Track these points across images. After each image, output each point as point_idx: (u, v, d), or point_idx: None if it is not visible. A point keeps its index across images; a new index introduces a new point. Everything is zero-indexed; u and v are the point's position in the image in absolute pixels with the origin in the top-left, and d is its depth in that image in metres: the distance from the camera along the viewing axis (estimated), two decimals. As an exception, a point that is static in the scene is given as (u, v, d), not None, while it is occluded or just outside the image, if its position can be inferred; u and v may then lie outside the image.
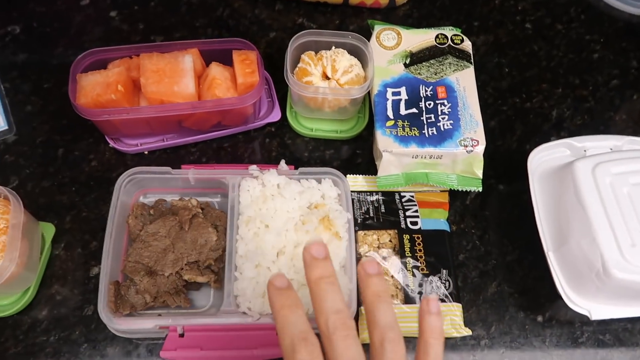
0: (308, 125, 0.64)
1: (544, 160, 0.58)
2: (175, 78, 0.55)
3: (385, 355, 0.31)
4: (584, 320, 0.56)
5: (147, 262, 0.52)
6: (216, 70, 0.57)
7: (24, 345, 0.52)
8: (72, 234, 0.57)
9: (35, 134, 0.63)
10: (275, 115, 0.64)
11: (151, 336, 0.52)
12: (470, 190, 0.59)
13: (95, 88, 0.54)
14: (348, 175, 0.60)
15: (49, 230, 0.56)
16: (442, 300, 0.54)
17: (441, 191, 0.61)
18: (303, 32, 0.60)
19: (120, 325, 0.49)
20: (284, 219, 0.53)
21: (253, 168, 0.56)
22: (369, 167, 0.63)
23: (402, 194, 0.60)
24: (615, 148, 0.58)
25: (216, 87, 0.55)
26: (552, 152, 0.59)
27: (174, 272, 0.52)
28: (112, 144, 0.61)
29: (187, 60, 0.56)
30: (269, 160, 0.63)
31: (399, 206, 0.59)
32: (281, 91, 0.66)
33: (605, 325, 0.56)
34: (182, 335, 0.50)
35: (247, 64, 0.56)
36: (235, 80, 0.57)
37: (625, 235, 0.48)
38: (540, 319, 0.56)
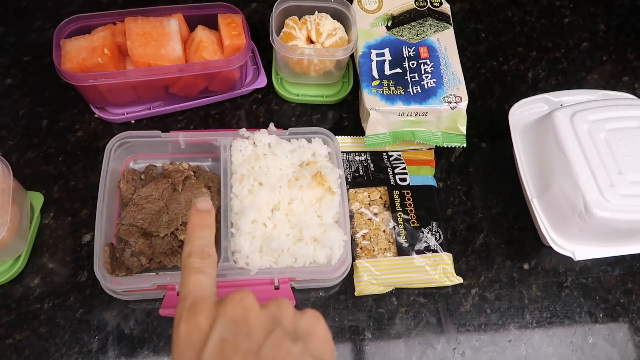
0: (294, 91, 0.65)
1: (523, 115, 0.61)
2: (161, 41, 0.54)
3: (190, 267, 0.32)
4: (568, 266, 0.59)
5: (142, 224, 0.52)
6: (202, 33, 0.57)
7: (17, 314, 0.51)
8: (61, 203, 0.57)
9: (17, 106, 0.62)
10: (261, 82, 0.64)
11: (148, 297, 0.52)
12: (455, 147, 0.61)
13: (81, 53, 0.54)
14: (336, 136, 0.61)
15: (37, 199, 0.55)
16: (434, 251, 0.56)
17: (427, 149, 0.63)
18: (286, -4, 0.61)
19: (116, 285, 0.49)
20: (277, 176, 0.53)
21: (243, 130, 0.57)
22: (355, 130, 0.64)
23: (389, 153, 0.61)
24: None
25: (203, 49, 0.55)
26: (531, 107, 0.61)
27: (169, 233, 0.52)
28: (97, 113, 0.61)
29: (173, 24, 0.56)
30: (256, 126, 0.63)
31: (387, 164, 0.60)
32: (266, 59, 0.67)
33: (587, 270, 0.59)
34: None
35: (233, 27, 0.57)
36: (222, 44, 0.58)
37: (604, 176, 0.51)
38: (526, 266, 0.59)
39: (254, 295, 0.31)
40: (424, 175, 0.60)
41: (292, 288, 0.53)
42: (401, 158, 0.61)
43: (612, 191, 0.50)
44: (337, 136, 0.61)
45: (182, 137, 0.55)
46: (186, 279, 0.32)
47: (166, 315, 0.49)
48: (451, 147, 0.61)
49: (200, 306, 0.29)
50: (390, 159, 0.61)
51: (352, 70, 0.66)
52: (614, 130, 0.53)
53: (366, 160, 0.60)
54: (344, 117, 0.66)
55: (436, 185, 0.60)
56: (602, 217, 0.50)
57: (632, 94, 0.65)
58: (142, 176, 0.56)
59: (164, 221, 0.52)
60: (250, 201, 0.52)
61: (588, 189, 0.50)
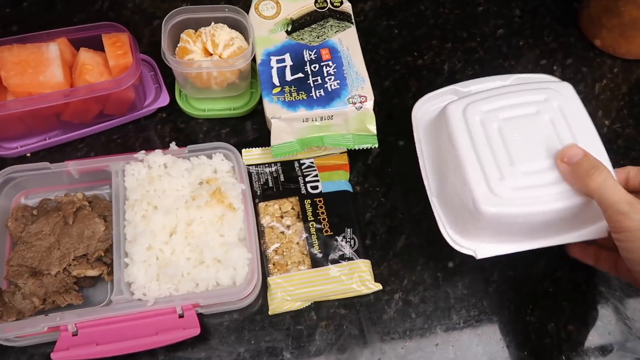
0: (199, 107, 0.62)
1: (430, 109, 0.58)
2: (40, 68, 0.52)
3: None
4: (494, 259, 0.56)
5: (31, 264, 0.49)
6: (85, 55, 0.54)
7: None
8: (-50, 249, 0.53)
9: None
10: (164, 100, 0.61)
11: (45, 340, 0.48)
12: (368, 148, 0.59)
13: (-49, 88, 0.51)
14: (244, 150, 0.58)
15: None
16: (350, 259, 0.53)
17: (340, 153, 0.60)
18: (177, 9, 0.59)
19: (5, 332, 0.46)
20: (172, 197, 0.51)
21: (140, 153, 0.54)
22: (267, 141, 0.61)
23: (301, 161, 0.59)
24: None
25: (86, 72, 0.53)
26: (439, 101, 0.59)
27: (61, 270, 0.49)
28: (-11, 149, 0.57)
29: (52, 49, 0.53)
30: (162, 147, 0.60)
31: (299, 173, 0.58)
32: (170, 76, 0.64)
33: (513, 262, 0.56)
34: (75, 334, 0.46)
35: (118, 46, 0.54)
36: (109, 65, 0.55)
37: (494, 170, 0.47)
38: (451, 264, 0.57)
39: None
40: (336, 181, 0.58)
41: (200, 314, 0.50)
42: (313, 165, 0.59)
43: (501, 185, 0.46)
44: (246, 149, 0.59)
45: (72, 166, 0.53)
46: None
47: (59, 359, 0.46)
48: (366, 148, 0.59)
49: None
50: (302, 166, 0.59)
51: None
52: (509, 119, 0.50)
53: (276, 171, 0.58)
54: (255, 128, 0.63)
55: (351, 190, 0.58)
56: (492, 213, 0.46)
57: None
58: (34, 212, 0.53)
59: (55, 257, 0.49)
60: (144, 227, 0.49)
61: (476, 185, 0.47)
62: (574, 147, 0.46)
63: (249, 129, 0.63)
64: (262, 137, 0.62)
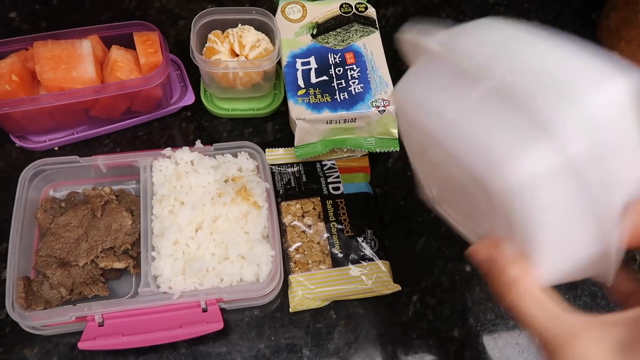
0: (224, 106, 0.64)
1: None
2: (73, 64, 0.53)
3: None
4: (511, 265, 0.57)
5: (59, 254, 0.50)
6: (117, 53, 0.55)
7: None
8: (-22, 238, 0.54)
9: None
10: (189, 99, 0.63)
11: (71, 330, 0.49)
12: (390, 152, 0.60)
13: (-12, 81, 0.52)
14: (267, 149, 0.59)
15: (-48, 236, 0.53)
16: (370, 259, 0.54)
17: (362, 156, 0.61)
18: (206, 10, 0.60)
19: (32, 321, 0.47)
20: (199, 194, 0.52)
21: (167, 150, 0.55)
22: (289, 142, 0.62)
23: (323, 162, 0.60)
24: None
25: (118, 69, 0.54)
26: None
27: (88, 261, 0.50)
28: (18, 142, 0.58)
29: (85, 45, 0.54)
30: (186, 144, 0.61)
31: (320, 174, 0.59)
32: (195, 76, 0.65)
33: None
34: (101, 325, 0.47)
35: (149, 45, 0.56)
36: (139, 63, 0.56)
37: None
38: (468, 268, 0.57)
39: None
40: (358, 183, 0.59)
41: (223, 309, 0.51)
42: (335, 167, 0.60)
43: None
44: (269, 149, 0.60)
45: (101, 160, 0.54)
46: None
47: (86, 348, 0.47)
48: (387, 152, 0.60)
49: None
50: (324, 167, 0.59)
51: (284, 80, 0.65)
52: None
53: (298, 171, 0.59)
54: (277, 129, 0.64)
55: (371, 192, 0.59)
56: None
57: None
58: (63, 204, 0.54)
59: (83, 249, 0.50)
60: (170, 222, 0.50)
61: None
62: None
63: (270, 130, 0.64)
64: (283, 138, 0.63)
